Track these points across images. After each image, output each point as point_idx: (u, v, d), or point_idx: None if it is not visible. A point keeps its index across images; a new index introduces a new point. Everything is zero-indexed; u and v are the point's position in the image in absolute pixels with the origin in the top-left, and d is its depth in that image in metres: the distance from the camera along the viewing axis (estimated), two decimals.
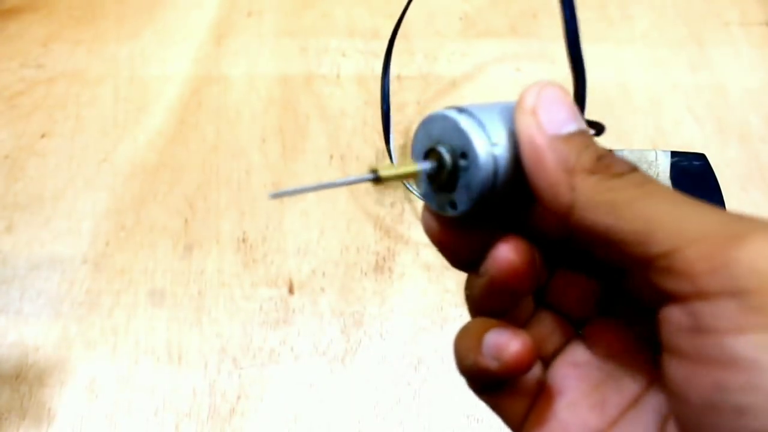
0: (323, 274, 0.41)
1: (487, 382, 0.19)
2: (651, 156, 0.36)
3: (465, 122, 0.16)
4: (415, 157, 0.18)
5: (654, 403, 0.18)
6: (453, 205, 0.17)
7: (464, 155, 0.16)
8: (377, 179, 0.16)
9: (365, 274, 0.41)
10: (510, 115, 0.17)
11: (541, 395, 0.19)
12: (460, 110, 0.17)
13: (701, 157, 0.36)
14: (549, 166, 0.15)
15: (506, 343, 0.16)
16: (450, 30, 0.55)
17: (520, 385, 0.19)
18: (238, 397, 0.37)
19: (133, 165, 0.47)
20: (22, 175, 0.48)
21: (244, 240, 0.43)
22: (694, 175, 0.35)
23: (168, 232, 0.44)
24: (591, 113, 0.49)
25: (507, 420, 0.19)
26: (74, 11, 0.59)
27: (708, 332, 0.13)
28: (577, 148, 0.16)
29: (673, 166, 0.36)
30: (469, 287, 0.19)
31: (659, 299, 0.15)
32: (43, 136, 0.50)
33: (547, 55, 0.52)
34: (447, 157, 0.17)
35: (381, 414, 0.36)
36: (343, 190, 0.44)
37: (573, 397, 0.18)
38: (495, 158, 0.16)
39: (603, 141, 0.51)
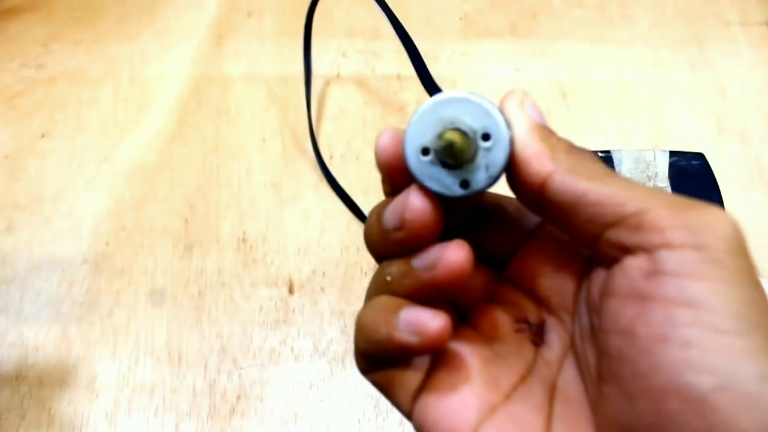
0: (323, 274, 0.41)
1: (393, 357, 0.20)
2: (649, 156, 0.36)
3: (491, 106, 0.18)
4: (417, 139, 0.18)
5: (540, 379, 0.20)
6: (465, 185, 0.18)
7: (486, 136, 0.18)
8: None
9: (365, 274, 0.41)
10: (494, 108, 0.18)
11: (437, 370, 0.20)
12: (473, 94, 0.18)
13: (700, 157, 0.36)
14: (536, 141, 0.18)
15: (428, 321, 0.18)
16: (450, 30, 0.55)
17: (416, 360, 0.20)
18: (238, 397, 0.37)
19: (133, 165, 0.48)
20: (22, 175, 0.48)
21: (244, 240, 0.43)
22: (692, 175, 0.35)
23: (168, 232, 0.44)
24: (591, 113, 0.49)
25: (399, 396, 0.20)
26: (74, 11, 0.59)
27: (668, 275, 0.15)
28: (555, 135, 0.19)
29: (671, 165, 0.36)
30: (390, 274, 0.19)
31: (621, 253, 0.17)
32: (43, 136, 0.50)
33: (547, 55, 0.52)
34: (472, 136, 0.18)
35: (381, 414, 0.36)
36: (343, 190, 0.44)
37: (468, 372, 0.20)
38: (511, 140, 0.18)
39: (605, 140, 0.51)
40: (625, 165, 0.36)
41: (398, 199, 0.19)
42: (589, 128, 0.47)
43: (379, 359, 0.20)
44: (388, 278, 0.19)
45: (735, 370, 0.14)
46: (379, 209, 0.20)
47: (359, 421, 0.36)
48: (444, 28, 0.55)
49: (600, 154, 0.37)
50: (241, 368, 0.38)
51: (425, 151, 0.18)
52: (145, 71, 0.54)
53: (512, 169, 0.18)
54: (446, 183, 0.18)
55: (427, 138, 0.18)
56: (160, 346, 0.39)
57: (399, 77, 0.51)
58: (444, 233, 0.19)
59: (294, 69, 0.52)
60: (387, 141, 0.18)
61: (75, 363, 0.38)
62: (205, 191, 0.46)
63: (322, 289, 0.40)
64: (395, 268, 0.19)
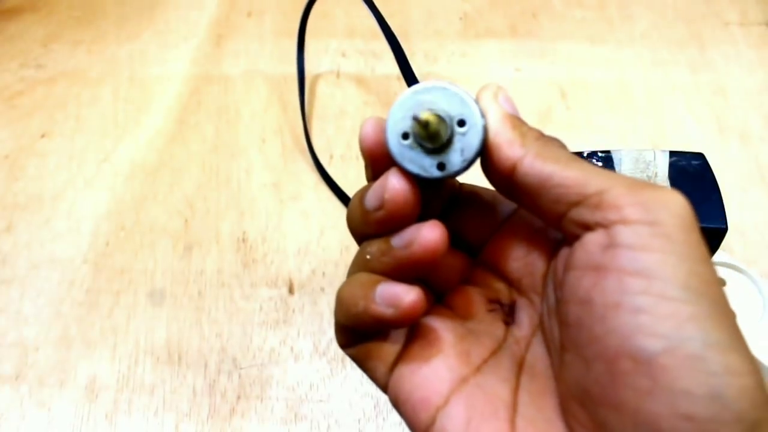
0: (323, 274, 0.41)
1: (370, 330, 0.21)
2: (649, 156, 0.36)
3: (466, 95, 0.19)
4: (398, 124, 0.19)
5: (509, 354, 0.21)
6: (441, 167, 0.19)
7: (462, 122, 0.19)
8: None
9: None
10: (469, 97, 0.20)
11: (412, 343, 0.21)
12: (451, 84, 0.19)
13: (700, 157, 0.36)
14: (508, 129, 0.19)
15: (402, 294, 0.19)
16: (450, 30, 0.55)
17: (393, 334, 0.21)
18: (238, 397, 0.37)
19: (133, 165, 0.48)
20: (22, 175, 0.48)
21: (244, 240, 0.43)
22: (692, 175, 0.35)
23: (168, 232, 0.44)
24: (591, 113, 0.49)
25: (376, 369, 0.21)
26: (74, 11, 0.59)
27: (623, 248, 0.17)
28: (526, 124, 0.20)
29: (671, 165, 0.36)
30: (370, 252, 0.21)
31: (582, 230, 0.18)
32: (43, 136, 0.50)
33: (547, 55, 0.52)
34: (448, 121, 0.19)
35: (381, 414, 0.36)
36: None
37: (442, 346, 0.21)
38: (484, 127, 0.19)
39: (605, 140, 0.50)
40: (625, 165, 0.36)
41: (379, 181, 0.20)
42: (589, 128, 0.48)
43: (358, 332, 0.21)
44: (368, 257, 0.21)
45: (681, 334, 0.15)
46: (362, 192, 0.21)
47: (359, 421, 0.36)
48: (444, 28, 0.55)
49: (600, 154, 0.37)
50: (241, 368, 0.38)
51: (405, 136, 0.19)
52: (145, 71, 0.54)
53: (486, 154, 0.19)
54: (424, 165, 0.19)
55: (407, 123, 0.19)
56: (160, 346, 0.39)
57: (399, 77, 0.51)
58: (423, 220, 0.20)
59: (293, 69, 0.52)
60: (370, 128, 0.20)
61: (75, 363, 0.38)
62: (205, 191, 0.46)
63: (322, 289, 0.40)
64: (375, 247, 0.20)
